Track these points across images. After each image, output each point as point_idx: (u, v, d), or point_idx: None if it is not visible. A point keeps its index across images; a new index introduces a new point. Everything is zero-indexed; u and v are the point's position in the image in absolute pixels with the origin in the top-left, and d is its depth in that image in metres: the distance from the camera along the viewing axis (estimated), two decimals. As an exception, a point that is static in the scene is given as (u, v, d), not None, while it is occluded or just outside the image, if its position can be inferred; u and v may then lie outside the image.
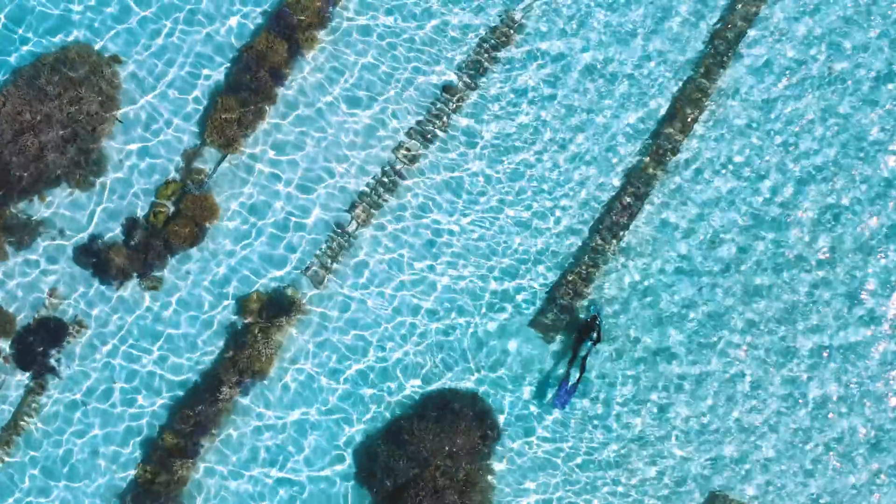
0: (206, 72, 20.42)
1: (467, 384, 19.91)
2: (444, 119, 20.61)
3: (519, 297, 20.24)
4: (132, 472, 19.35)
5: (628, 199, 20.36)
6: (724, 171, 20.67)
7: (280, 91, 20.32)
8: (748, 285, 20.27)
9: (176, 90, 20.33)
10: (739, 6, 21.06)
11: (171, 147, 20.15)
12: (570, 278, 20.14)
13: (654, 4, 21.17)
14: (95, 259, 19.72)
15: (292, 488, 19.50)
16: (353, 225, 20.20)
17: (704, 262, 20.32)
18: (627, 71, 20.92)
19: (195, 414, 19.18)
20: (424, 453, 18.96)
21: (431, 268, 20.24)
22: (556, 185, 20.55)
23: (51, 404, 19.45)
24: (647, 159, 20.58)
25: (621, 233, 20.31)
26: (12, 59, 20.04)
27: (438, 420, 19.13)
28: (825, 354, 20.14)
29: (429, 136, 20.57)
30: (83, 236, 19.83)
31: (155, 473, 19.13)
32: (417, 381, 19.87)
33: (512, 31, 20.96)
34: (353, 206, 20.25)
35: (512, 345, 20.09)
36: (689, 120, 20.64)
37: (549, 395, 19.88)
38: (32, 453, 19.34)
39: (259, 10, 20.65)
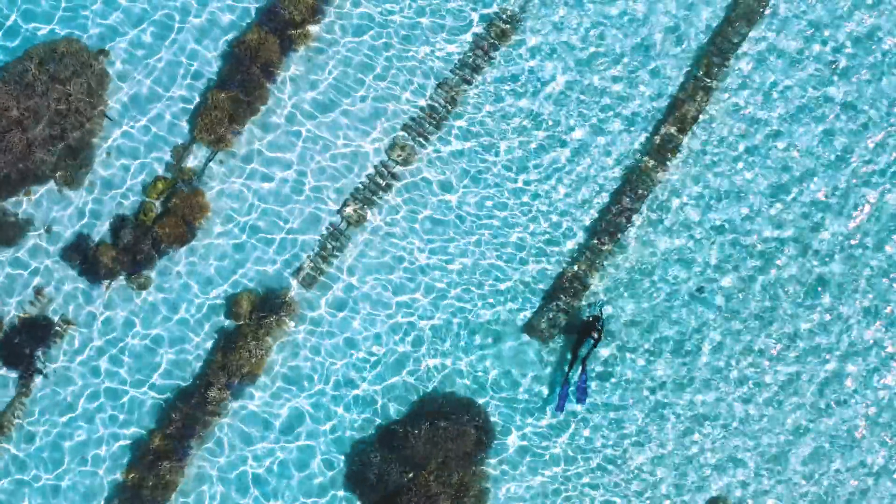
0: (196, 67, 20.40)
1: (462, 387, 19.79)
2: (439, 116, 20.51)
3: (516, 298, 20.12)
4: (119, 476, 19.27)
5: (627, 200, 20.27)
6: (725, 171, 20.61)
7: (272, 87, 20.27)
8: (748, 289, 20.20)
9: (166, 86, 20.31)
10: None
11: (161, 144, 20.12)
12: (569, 279, 20.05)
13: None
14: (83, 258, 19.67)
15: (283, 493, 19.38)
16: (346, 225, 20.11)
17: (704, 261, 20.28)
18: (626, 68, 20.90)
19: (183, 416, 19.11)
20: (418, 458, 18.91)
21: (425, 269, 20.12)
22: (556, 185, 20.47)
23: (35, 405, 19.39)
24: (646, 158, 20.50)
25: (620, 233, 20.26)
26: (-1, 53, 20.18)
27: (432, 425, 19.05)
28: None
29: (423, 134, 20.47)
30: (71, 234, 19.80)
31: (142, 477, 19.04)
32: (411, 383, 19.74)
33: (509, 26, 20.86)
34: (345, 206, 20.16)
35: (508, 347, 19.99)
36: (689, 119, 20.50)
37: (548, 398, 19.80)
38: (16, 453, 19.29)
39: (251, 5, 20.59)
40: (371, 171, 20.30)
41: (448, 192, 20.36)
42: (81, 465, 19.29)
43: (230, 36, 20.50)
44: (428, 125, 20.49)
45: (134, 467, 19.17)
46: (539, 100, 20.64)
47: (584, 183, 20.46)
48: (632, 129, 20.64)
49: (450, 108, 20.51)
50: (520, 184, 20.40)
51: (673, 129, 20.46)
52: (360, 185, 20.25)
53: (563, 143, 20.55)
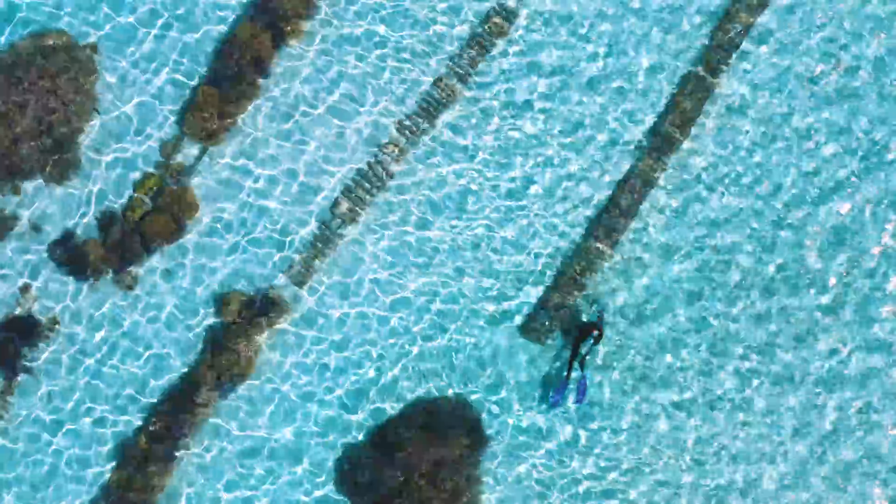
0: (186, 62, 20.40)
1: (456, 390, 19.73)
2: (435, 114, 20.50)
3: (514, 299, 20.07)
4: (106, 477, 19.16)
5: (626, 200, 20.29)
6: (725, 172, 20.63)
7: (263, 82, 20.27)
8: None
9: (155, 81, 20.30)
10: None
11: (150, 140, 20.10)
12: (567, 280, 20.05)
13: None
14: (70, 255, 19.61)
15: (273, 495, 19.31)
16: (338, 222, 20.06)
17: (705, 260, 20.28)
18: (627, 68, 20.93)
19: (172, 417, 19.07)
20: (410, 462, 18.80)
21: (420, 268, 20.07)
22: (555, 183, 20.48)
23: (22, 404, 19.32)
24: (645, 158, 20.52)
25: (619, 233, 20.26)
26: (-14, 47, 20.24)
27: (425, 428, 19.04)
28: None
29: (418, 131, 20.43)
30: (58, 231, 19.75)
31: (130, 478, 18.98)
32: (406, 386, 19.68)
33: (506, 23, 20.87)
34: (337, 204, 20.12)
35: (504, 348, 19.92)
36: (689, 118, 20.53)
37: (546, 399, 19.72)
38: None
39: (243, -2, 20.83)
40: (364, 168, 20.26)
41: (443, 191, 20.36)
42: (67, 467, 19.19)
43: (221, 30, 20.51)
44: (422, 121, 20.45)
45: (121, 468, 19.08)
46: (537, 99, 20.71)
47: (582, 182, 20.48)
48: (632, 128, 20.67)
49: (444, 102, 20.51)
50: (517, 183, 20.43)
51: (673, 129, 20.53)
52: (352, 183, 20.19)
53: (562, 142, 20.57)
